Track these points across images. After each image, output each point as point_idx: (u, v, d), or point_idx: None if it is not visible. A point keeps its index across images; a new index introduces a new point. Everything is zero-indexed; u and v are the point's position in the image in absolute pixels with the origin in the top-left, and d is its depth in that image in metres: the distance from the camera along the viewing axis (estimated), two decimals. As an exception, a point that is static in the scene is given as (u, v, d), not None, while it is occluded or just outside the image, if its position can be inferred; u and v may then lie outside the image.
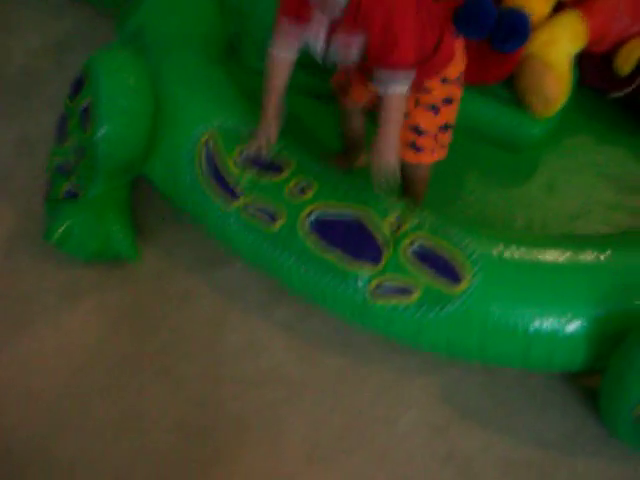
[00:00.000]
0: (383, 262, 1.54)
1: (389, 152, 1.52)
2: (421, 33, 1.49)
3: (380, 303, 1.55)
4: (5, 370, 1.73)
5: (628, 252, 1.57)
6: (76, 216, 1.76)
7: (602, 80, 2.06)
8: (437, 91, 1.63)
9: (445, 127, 1.69)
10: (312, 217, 1.58)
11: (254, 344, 1.75)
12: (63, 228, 1.76)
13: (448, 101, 1.65)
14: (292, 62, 1.57)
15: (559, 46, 1.89)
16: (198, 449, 1.61)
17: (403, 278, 1.53)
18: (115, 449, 1.61)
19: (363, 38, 1.45)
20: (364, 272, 1.54)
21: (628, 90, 2.00)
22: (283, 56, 1.56)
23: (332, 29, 1.48)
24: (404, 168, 1.64)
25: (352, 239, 1.57)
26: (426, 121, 1.64)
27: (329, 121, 1.93)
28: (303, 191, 1.61)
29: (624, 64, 1.98)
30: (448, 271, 1.52)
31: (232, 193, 1.65)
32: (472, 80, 1.95)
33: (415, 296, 1.53)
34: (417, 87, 1.57)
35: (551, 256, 1.55)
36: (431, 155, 1.71)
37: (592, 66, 2.05)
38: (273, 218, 1.61)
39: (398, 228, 1.57)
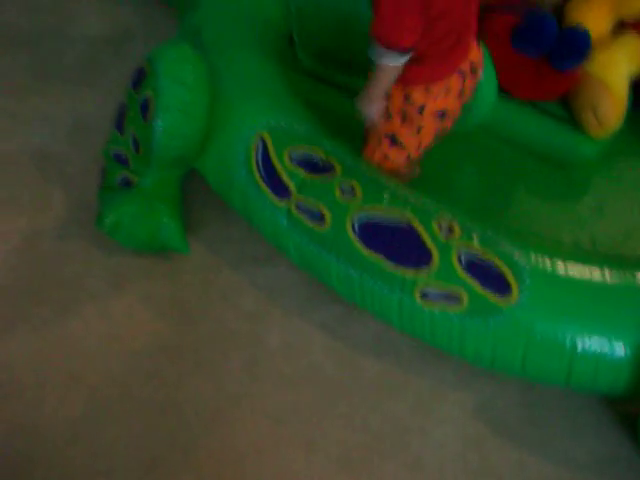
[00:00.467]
0: (431, 268, 1.54)
1: (362, 102, 1.63)
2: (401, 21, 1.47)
3: (427, 309, 1.56)
4: (49, 351, 1.77)
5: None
6: (128, 206, 1.80)
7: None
8: (395, 101, 1.64)
9: (393, 139, 1.70)
10: (360, 219, 1.59)
11: (293, 344, 1.77)
12: (115, 217, 1.79)
13: (405, 120, 1.66)
14: None
15: (618, 67, 1.88)
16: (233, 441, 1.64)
17: (451, 285, 1.53)
18: (153, 435, 1.64)
19: None
20: (411, 276, 1.55)
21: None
22: None
23: None
24: None
25: (400, 243, 1.57)
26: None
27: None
28: (352, 192, 1.63)
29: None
30: (497, 282, 1.52)
31: (283, 192, 1.67)
32: (528, 96, 1.96)
33: (463, 304, 1.53)
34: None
35: (602, 275, 1.54)
36: (372, 152, 1.74)
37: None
38: (321, 218, 1.63)
39: (449, 234, 1.57)
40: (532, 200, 1.95)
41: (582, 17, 1.91)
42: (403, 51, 1.49)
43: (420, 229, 1.56)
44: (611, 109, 1.86)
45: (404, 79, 1.59)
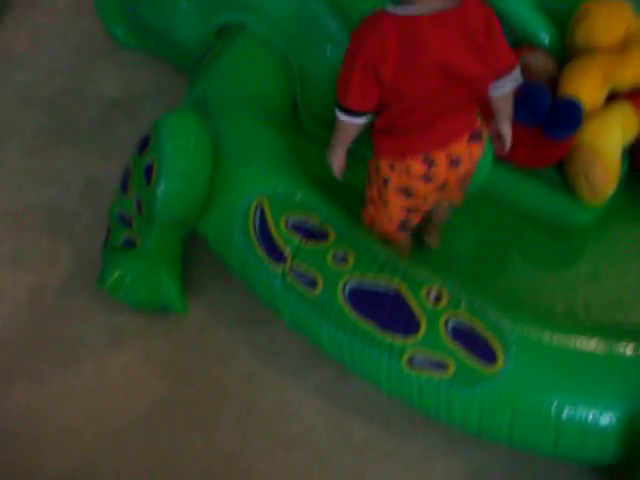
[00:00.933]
0: (419, 335, 1.57)
1: (327, 152, 1.68)
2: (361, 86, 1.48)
3: (414, 375, 1.58)
4: (46, 404, 1.81)
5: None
6: (130, 265, 1.86)
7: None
8: (370, 168, 1.70)
9: (374, 204, 1.74)
10: (351, 286, 1.63)
11: (286, 406, 1.79)
12: (117, 275, 1.85)
13: (377, 190, 1.70)
14: None
15: (610, 136, 1.92)
16: (222, 503, 1.66)
17: (438, 353, 1.56)
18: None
19: None
20: (399, 343, 1.58)
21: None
22: None
23: None
24: None
25: (389, 310, 1.60)
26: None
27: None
28: (344, 259, 1.67)
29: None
30: (483, 350, 1.54)
31: (279, 256, 1.71)
32: (522, 164, 2.00)
33: (449, 371, 1.55)
34: None
35: (589, 345, 1.55)
36: (364, 215, 1.79)
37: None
38: (314, 283, 1.67)
39: (436, 302, 1.60)
40: (527, 265, 1.98)
41: (576, 87, 1.96)
42: (350, 112, 1.52)
43: (409, 296, 1.60)
44: (603, 177, 1.90)
45: (375, 148, 1.63)
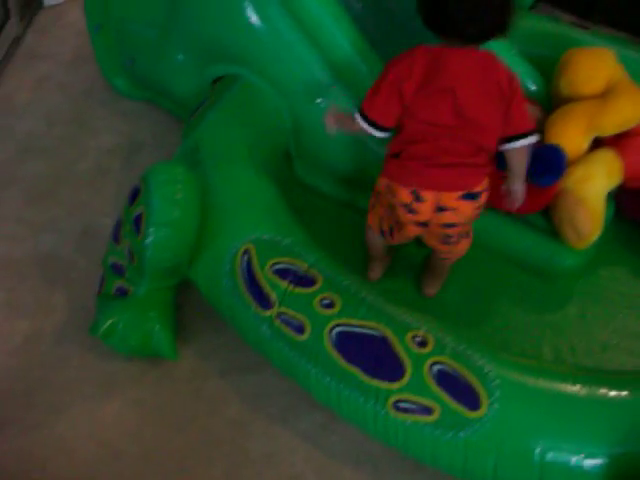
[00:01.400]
0: (404, 380, 1.59)
1: (329, 114, 1.86)
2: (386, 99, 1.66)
3: (399, 419, 1.60)
4: (38, 452, 1.82)
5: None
6: (122, 313, 1.88)
7: (638, 212, 2.11)
8: (377, 180, 1.84)
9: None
10: (336, 331, 1.66)
11: (275, 453, 1.80)
12: (109, 323, 1.88)
13: (374, 194, 1.88)
14: None
15: (594, 182, 1.96)
16: None
17: (423, 398, 1.57)
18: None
19: None
20: (385, 388, 1.59)
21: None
22: None
23: None
24: None
25: (375, 355, 1.63)
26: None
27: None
28: (331, 305, 1.69)
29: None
30: (467, 394, 1.56)
31: (265, 302, 1.74)
32: (509, 209, 2.03)
33: (434, 416, 1.56)
34: None
35: (573, 389, 1.57)
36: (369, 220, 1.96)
37: (629, 198, 2.10)
38: (301, 329, 1.69)
39: (422, 347, 1.62)
40: (514, 309, 2.00)
41: (560, 134, 2.00)
42: (367, 119, 1.69)
43: (394, 341, 1.62)
44: (587, 223, 1.93)
45: (383, 168, 1.78)
